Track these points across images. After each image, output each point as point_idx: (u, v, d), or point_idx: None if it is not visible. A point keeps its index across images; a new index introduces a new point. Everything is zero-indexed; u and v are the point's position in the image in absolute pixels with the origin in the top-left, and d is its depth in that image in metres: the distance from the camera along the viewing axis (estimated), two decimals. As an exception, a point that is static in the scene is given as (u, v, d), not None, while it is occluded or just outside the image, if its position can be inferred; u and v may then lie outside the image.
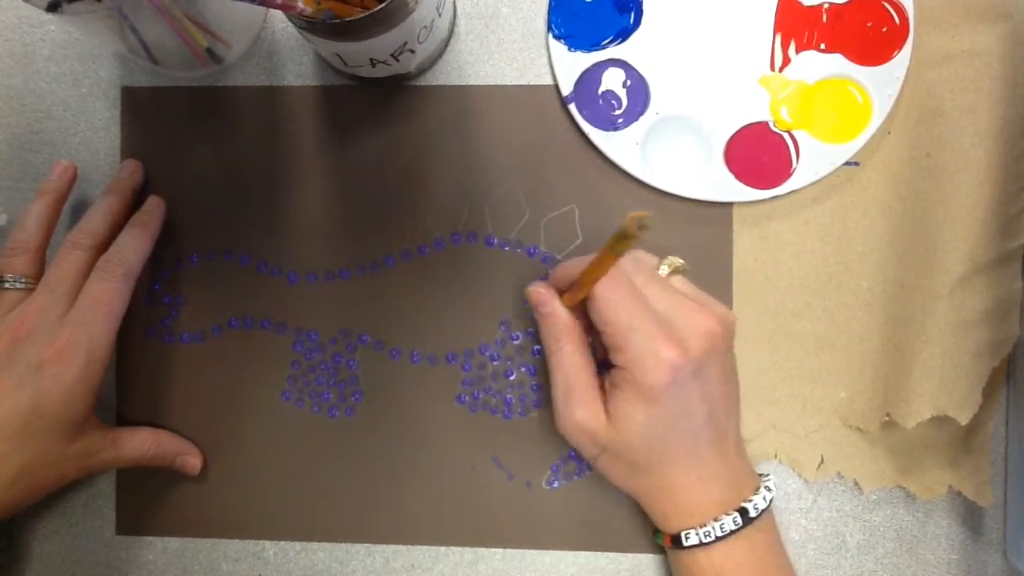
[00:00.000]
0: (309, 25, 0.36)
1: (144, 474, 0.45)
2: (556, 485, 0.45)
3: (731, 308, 0.45)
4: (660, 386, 0.37)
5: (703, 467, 0.39)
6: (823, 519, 0.45)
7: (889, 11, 0.43)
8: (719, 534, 0.38)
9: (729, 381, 0.40)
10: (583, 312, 0.39)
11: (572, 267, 0.40)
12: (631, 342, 0.37)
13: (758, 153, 0.44)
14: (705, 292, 0.41)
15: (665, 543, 0.40)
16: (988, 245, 0.42)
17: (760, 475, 0.41)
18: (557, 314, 0.40)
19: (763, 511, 0.39)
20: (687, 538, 0.39)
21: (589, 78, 0.44)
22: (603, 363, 0.40)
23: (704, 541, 0.38)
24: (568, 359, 0.39)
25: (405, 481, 0.46)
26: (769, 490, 0.40)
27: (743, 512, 0.39)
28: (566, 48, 0.44)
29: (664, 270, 0.41)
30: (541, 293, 0.40)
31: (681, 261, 0.41)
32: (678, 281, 0.41)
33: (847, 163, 0.44)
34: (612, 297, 0.37)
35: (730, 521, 0.38)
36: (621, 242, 0.33)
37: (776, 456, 0.45)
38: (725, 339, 0.39)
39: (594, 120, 0.44)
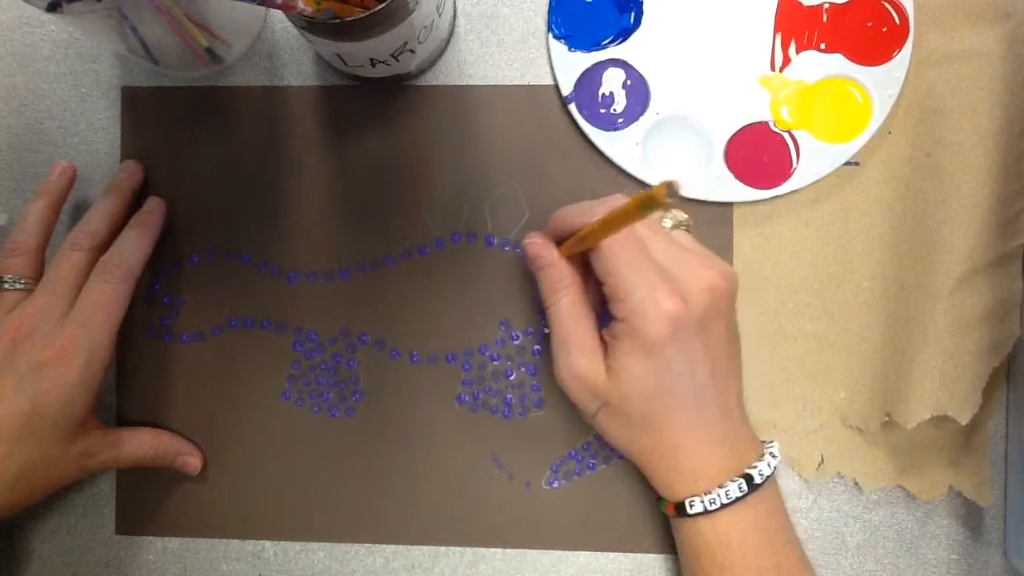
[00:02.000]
0: (309, 25, 0.36)
1: (144, 474, 0.45)
2: (556, 485, 0.45)
3: (731, 308, 0.45)
4: (661, 338, 0.36)
5: (706, 430, 0.38)
6: (823, 519, 0.45)
7: (889, 11, 0.43)
8: (724, 501, 0.37)
9: (732, 341, 0.39)
10: (581, 262, 0.39)
11: (571, 216, 0.39)
12: (632, 292, 0.36)
13: (758, 153, 0.44)
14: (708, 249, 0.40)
15: (668, 511, 0.40)
16: (988, 245, 0.42)
17: (764, 442, 0.40)
18: (555, 265, 0.39)
19: (768, 478, 0.38)
20: (691, 506, 0.38)
21: (589, 78, 0.44)
22: (603, 316, 0.39)
23: (709, 509, 0.38)
24: (567, 310, 0.39)
25: (405, 481, 0.46)
26: (774, 456, 0.39)
27: (748, 479, 0.38)
28: (566, 48, 0.44)
29: (667, 223, 0.40)
30: (538, 244, 0.40)
31: (685, 216, 0.40)
32: (681, 236, 0.40)
33: (847, 163, 0.44)
34: (616, 248, 0.37)
35: (735, 488, 0.37)
36: (646, 208, 0.31)
37: (776, 456, 0.45)
38: (728, 295, 0.38)
39: (594, 120, 0.44)
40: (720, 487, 0.38)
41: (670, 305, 0.36)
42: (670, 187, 0.29)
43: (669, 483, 0.39)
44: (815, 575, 0.40)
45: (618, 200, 0.38)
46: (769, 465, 0.39)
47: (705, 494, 0.38)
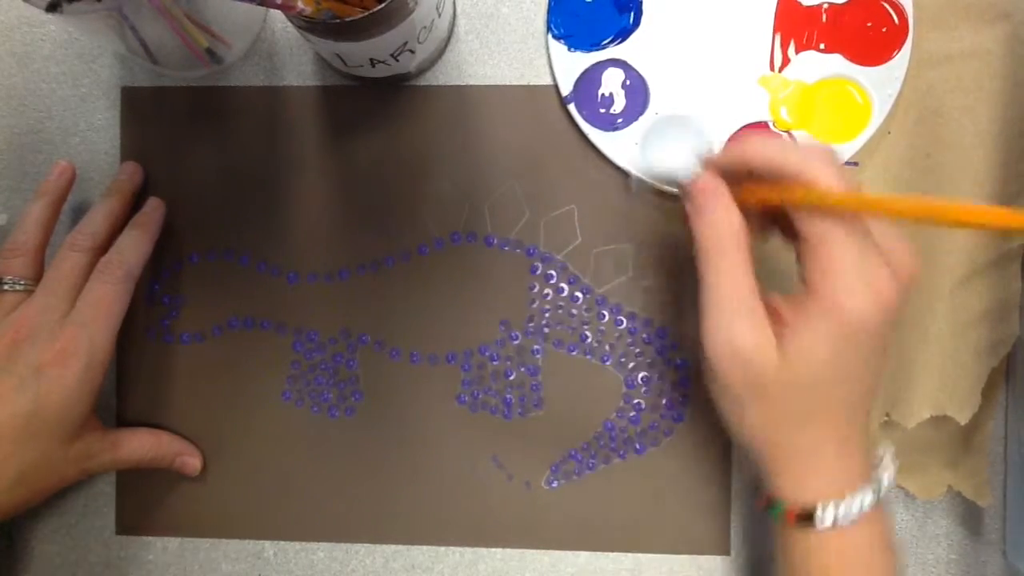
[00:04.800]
0: (309, 25, 0.36)
1: (144, 474, 0.45)
2: (556, 485, 0.45)
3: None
4: (873, 323, 0.31)
5: (850, 433, 0.33)
6: (823, 519, 0.45)
7: (889, 11, 0.43)
8: (854, 514, 0.33)
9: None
10: (757, 211, 0.34)
11: (771, 155, 0.32)
12: (847, 267, 0.31)
13: (758, 153, 0.44)
14: None
15: (788, 521, 0.34)
16: (988, 245, 0.42)
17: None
18: (730, 217, 0.33)
19: (888, 491, 0.35)
20: (823, 514, 0.33)
21: (589, 78, 0.44)
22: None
23: (840, 521, 0.33)
24: (732, 272, 0.32)
25: (405, 481, 0.46)
26: (891, 463, 0.35)
27: (876, 490, 0.34)
28: (566, 48, 0.44)
29: None
30: (709, 185, 0.33)
31: None
32: None
33: (847, 163, 0.44)
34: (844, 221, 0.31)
35: (868, 499, 0.33)
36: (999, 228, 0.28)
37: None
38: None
39: (594, 120, 0.44)
40: (850, 501, 0.33)
41: (886, 288, 0.31)
42: None
43: (793, 489, 0.34)
44: None
45: (828, 155, 0.32)
46: (888, 477, 0.35)
47: (836, 504, 0.33)
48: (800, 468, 0.34)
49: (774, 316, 0.33)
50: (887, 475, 0.34)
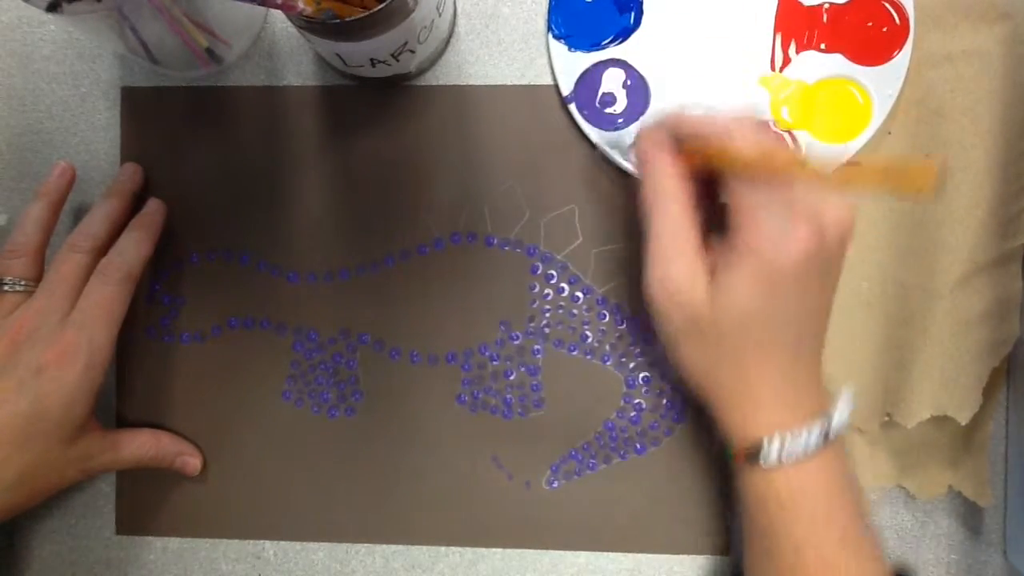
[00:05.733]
0: (309, 25, 0.36)
1: (144, 474, 0.45)
2: (556, 485, 0.45)
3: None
4: (789, 266, 0.34)
5: (795, 372, 0.36)
6: (823, 519, 0.45)
7: (889, 11, 0.43)
8: (800, 453, 0.35)
9: (836, 285, 0.37)
10: (690, 168, 0.37)
11: (700, 127, 0.36)
12: (766, 219, 0.34)
13: (758, 153, 0.44)
14: None
15: (737, 461, 0.37)
16: (988, 245, 0.42)
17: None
18: (669, 175, 0.36)
19: (840, 430, 0.36)
20: (766, 458, 0.35)
21: (589, 78, 0.44)
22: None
23: (784, 461, 0.35)
24: (671, 219, 0.36)
25: (405, 481, 0.46)
26: (847, 407, 0.37)
27: (824, 431, 0.35)
28: (566, 48, 0.44)
29: None
30: (652, 146, 0.37)
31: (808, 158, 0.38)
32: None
33: (847, 163, 0.44)
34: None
35: (813, 439, 0.35)
36: (903, 187, 0.29)
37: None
38: (850, 237, 0.36)
39: (594, 120, 0.44)
40: (796, 437, 0.35)
41: (806, 235, 0.34)
42: (938, 175, 0.26)
43: (741, 421, 0.36)
44: (878, 540, 0.37)
45: (762, 133, 0.35)
46: (842, 417, 0.36)
47: (781, 443, 0.35)
48: (745, 407, 0.36)
49: (712, 261, 0.36)
50: (838, 414, 0.36)
